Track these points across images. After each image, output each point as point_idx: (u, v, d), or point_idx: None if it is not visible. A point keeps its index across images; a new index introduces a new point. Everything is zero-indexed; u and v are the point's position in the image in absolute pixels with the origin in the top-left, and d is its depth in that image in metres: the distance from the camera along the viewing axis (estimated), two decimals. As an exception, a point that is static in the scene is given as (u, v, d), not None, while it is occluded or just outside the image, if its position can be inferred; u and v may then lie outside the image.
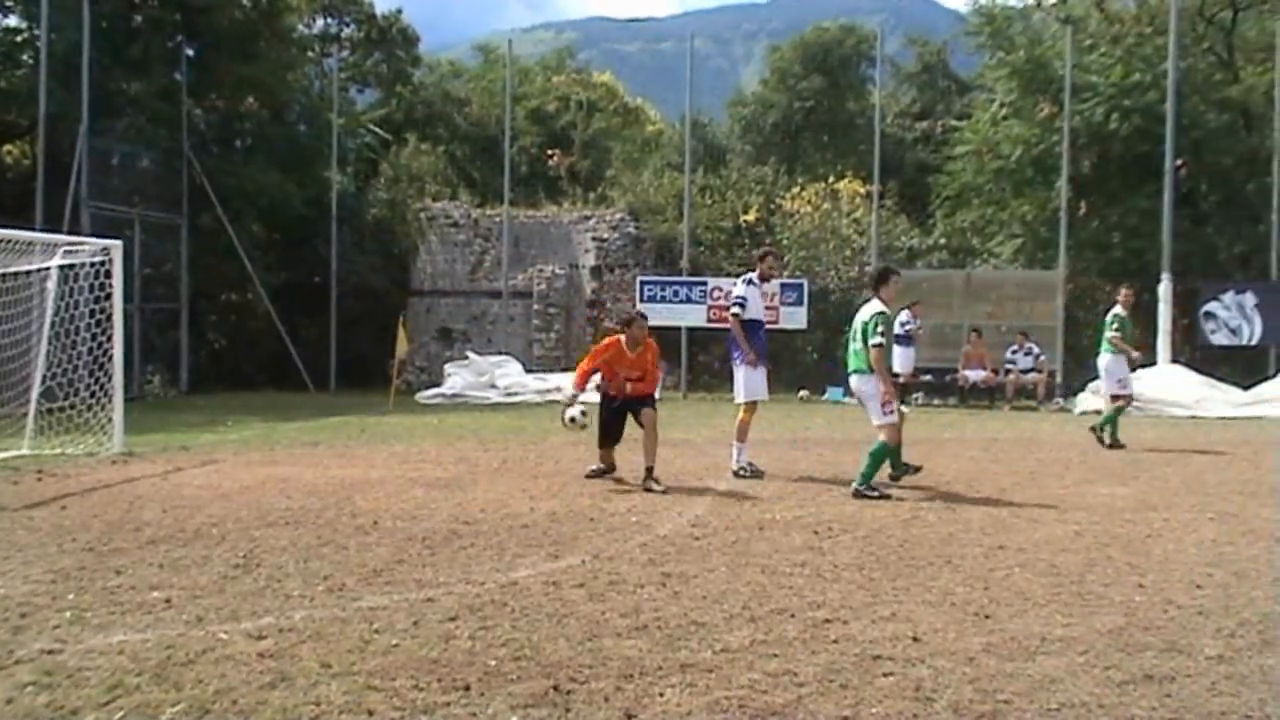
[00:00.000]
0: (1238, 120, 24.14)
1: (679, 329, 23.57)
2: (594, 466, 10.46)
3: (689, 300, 23.44)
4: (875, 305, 9.82)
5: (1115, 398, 14.17)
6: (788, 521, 8.18)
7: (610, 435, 10.32)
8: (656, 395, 10.35)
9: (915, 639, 5.10)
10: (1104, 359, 14.30)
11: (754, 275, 10.91)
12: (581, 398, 10.27)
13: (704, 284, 23.57)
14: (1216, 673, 4.64)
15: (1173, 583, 6.28)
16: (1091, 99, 23.22)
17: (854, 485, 9.47)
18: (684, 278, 24.09)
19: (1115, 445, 13.63)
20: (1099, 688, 4.43)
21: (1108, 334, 14.21)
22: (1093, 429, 14.07)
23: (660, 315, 23.60)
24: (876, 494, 9.36)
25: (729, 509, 8.77)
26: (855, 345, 9.84)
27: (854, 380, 9.92)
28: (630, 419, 10.19)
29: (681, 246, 24.93)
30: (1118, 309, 14.42)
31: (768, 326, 11.44)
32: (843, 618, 5.48)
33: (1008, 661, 4.76)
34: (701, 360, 23.73)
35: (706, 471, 11.02)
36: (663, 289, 23.80)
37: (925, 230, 26.62)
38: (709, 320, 22.94)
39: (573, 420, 10.19)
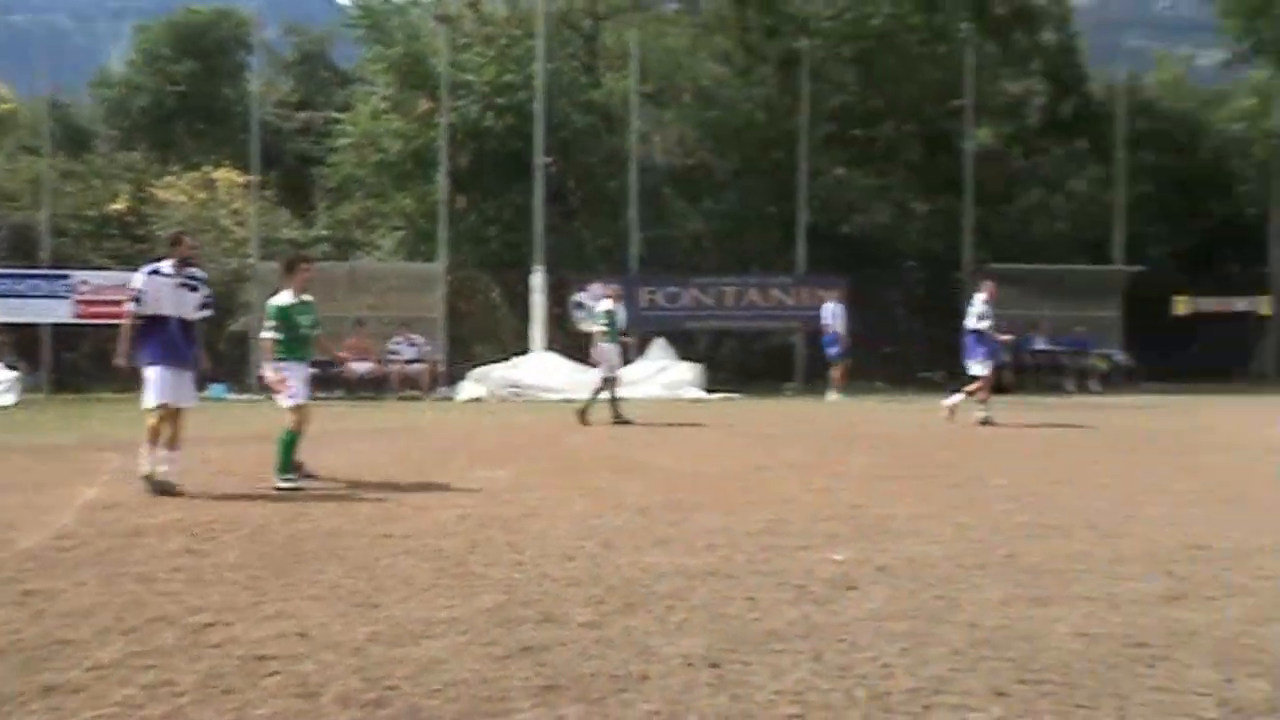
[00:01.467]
0: (600, 122, 26.44)
1: (41, 326, 21.47)
2: None
3: (52, 295, 21.37)
4: (281, 297, 9.79)
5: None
6: (165, 525, 7.61)
7: None
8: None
9: (302, 635, 4.95)
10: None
11: (161, 265, 9.42)
12: None
13: (67, 277, 21.57)
14: (587, 638, 4.95)
15: (548, 557, 6.65)
16: (467, 96, 24.29)
17: (275, 482, 9.22)
18: (44, 270, 21.88)
19: (622, 421, 15.35)
20: (480, 664, 4.55)
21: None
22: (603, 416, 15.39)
23: (17, 312, 21.34)
24: (294, 484, 9.25)
25: (99, 516, 7.98)
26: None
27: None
28: None
29: (41, 236, 22.65)
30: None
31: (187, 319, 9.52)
32: (226, 620, 5.18)
33: (394, 648, 4.76)
34: (68, 358, 21.72)
35: (77, 478, 9.98)
36: (19, 283, 21.53)
37: (308, 222, 26.37)
38: (77, 316, 21.02)
39: None
